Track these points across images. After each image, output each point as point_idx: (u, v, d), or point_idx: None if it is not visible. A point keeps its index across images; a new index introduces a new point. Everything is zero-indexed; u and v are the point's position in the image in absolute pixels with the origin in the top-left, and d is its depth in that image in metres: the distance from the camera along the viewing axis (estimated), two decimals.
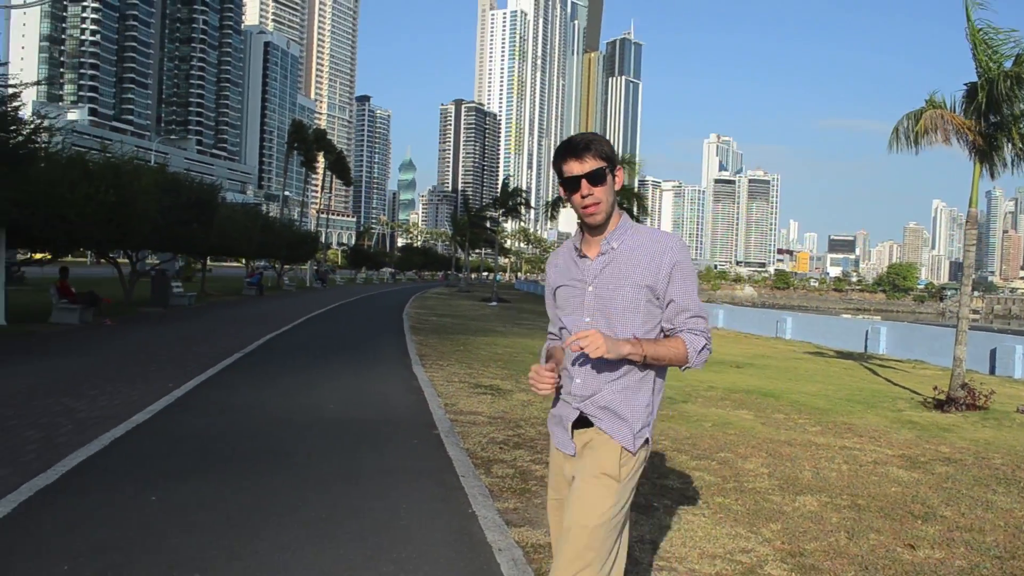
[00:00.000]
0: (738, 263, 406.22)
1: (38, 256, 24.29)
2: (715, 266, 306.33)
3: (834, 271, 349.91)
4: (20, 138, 12.97)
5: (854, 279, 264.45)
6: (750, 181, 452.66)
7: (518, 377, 12.01)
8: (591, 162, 2.56)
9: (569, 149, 2.59)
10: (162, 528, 4.59)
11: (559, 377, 2.71)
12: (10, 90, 11.76)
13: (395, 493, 5.51)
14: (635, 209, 30.57)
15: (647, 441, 2.63)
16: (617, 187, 2.67)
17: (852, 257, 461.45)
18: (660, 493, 5.86)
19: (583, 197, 2.57)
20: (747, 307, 42.47)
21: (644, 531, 4.94)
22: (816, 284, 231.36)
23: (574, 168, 2.57)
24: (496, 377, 11.92)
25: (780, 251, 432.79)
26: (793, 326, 25.70)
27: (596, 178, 2.56)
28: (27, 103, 14.72)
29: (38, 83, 15.74)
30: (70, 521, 4.65)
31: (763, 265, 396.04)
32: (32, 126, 13.70)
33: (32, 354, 12.51)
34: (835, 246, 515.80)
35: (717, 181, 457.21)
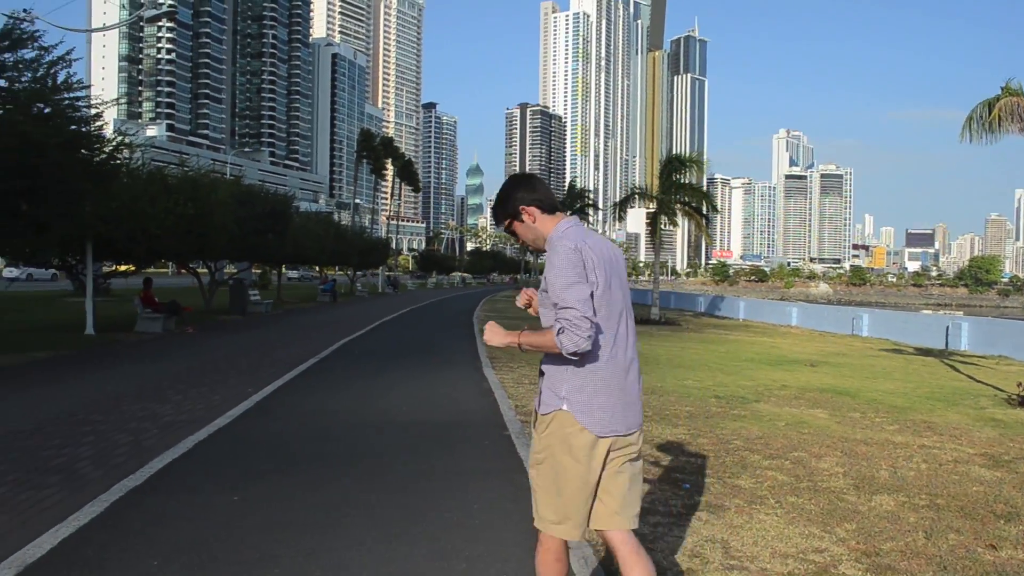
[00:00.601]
0: (812, 260, 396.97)
1: (122, 268, 25.29)
2: (788, 263, 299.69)
3: (912, 266, 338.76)
4: (103, 155, 13.56)
5: (934, 273, 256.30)
6: (822, 176, 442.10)
7: None
8: (502, 222, 3.25)
9: (493, 214, 3.36)
10: (243, 526, 4.77)
11: None
12: (93, 111, 12.31)
13: (467, 493, 5.60)
14: (704, 208, 30.12)
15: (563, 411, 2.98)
16: (530, 220, 3.15)
17: (931, 251, 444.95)
18: (732, 493, 5.81)
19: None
20: (822, 304, 41.52)
21: (715, 531, 4.92)
22: (894, 279, 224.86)
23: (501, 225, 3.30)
24: None
25: (855, 247, 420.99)
26: (870, 323, 25.02)
27: (510, 230, 3.24)
28: (109, 121, 15.36)
29: (117, 101, 16.42)
30: (158, 520, 4.87)
31: (838, 261, 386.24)
32: (114, 144, 14.31)
33: (119, 362, 13.04)
34: (913, 240, 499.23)
35: (788, 177, 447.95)
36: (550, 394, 3.01)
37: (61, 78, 11.42)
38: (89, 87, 13.15)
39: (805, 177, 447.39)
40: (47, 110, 11.25)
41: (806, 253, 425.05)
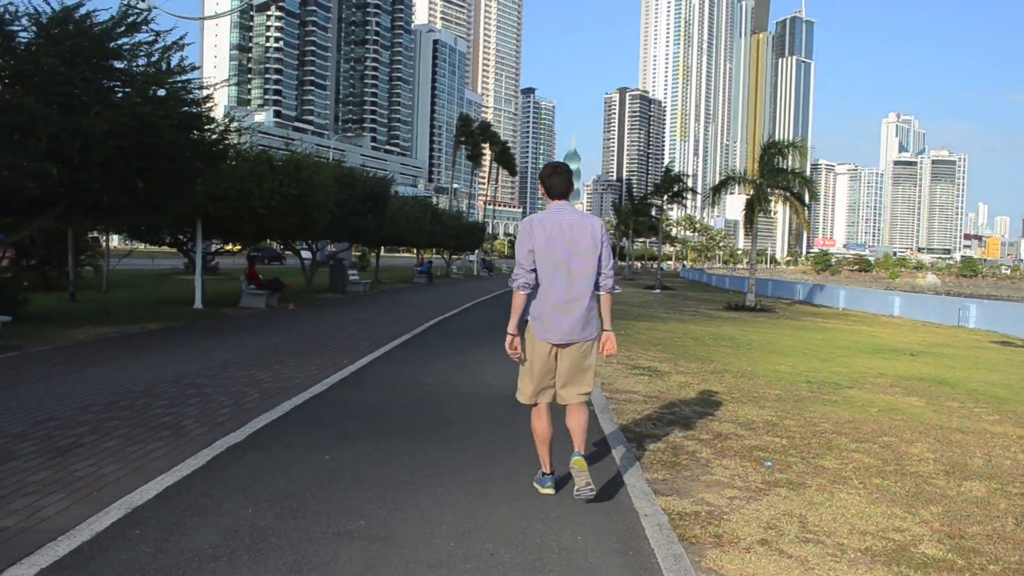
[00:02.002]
0: (919, 250, 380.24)
1: (229, 247, 26.42)
2: (894, 253, 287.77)
3: None
4: (214, 136, 14.23)
5: None
6: (933, 162, 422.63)
7: (677, 360, 11.99)
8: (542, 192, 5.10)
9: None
10: (333, 482, 5.03)
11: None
12: (204, 92, 12.93)
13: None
14: (806, 196, 29.26)
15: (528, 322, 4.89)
16: (545, 196, 4.97)
17: None
18: (815, 472, 5.76)
19: None
20: (927, 295, 39.84)
21: (793, 506, 4.91)
22: (1008, 271, 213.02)
23: None
24: (655, 360, 11.94)
25: (967, 236, 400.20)
26: (977, 314, 23.88)
27: None
28: (219, 103, 16.09)
29: (227, 82, 17.16)
30: (254, 473, 5.18)
31: (948, 252, 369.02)
32: (224, 126, 14.99)
33: (224, 333, 13.70)
34: None
35: (896, 163, 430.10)
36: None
37: (175, 62, 12.04)
38: (200, 68, 13.78)
39: (915, 163, 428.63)
40: (162, 92, 11.89)
41: (914, 243, 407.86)
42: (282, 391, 8.09)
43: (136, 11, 11.50)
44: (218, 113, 15.27)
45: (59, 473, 5.02)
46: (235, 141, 17.51)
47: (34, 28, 10.68)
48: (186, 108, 12.34)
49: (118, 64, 11.46)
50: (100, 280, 22.66)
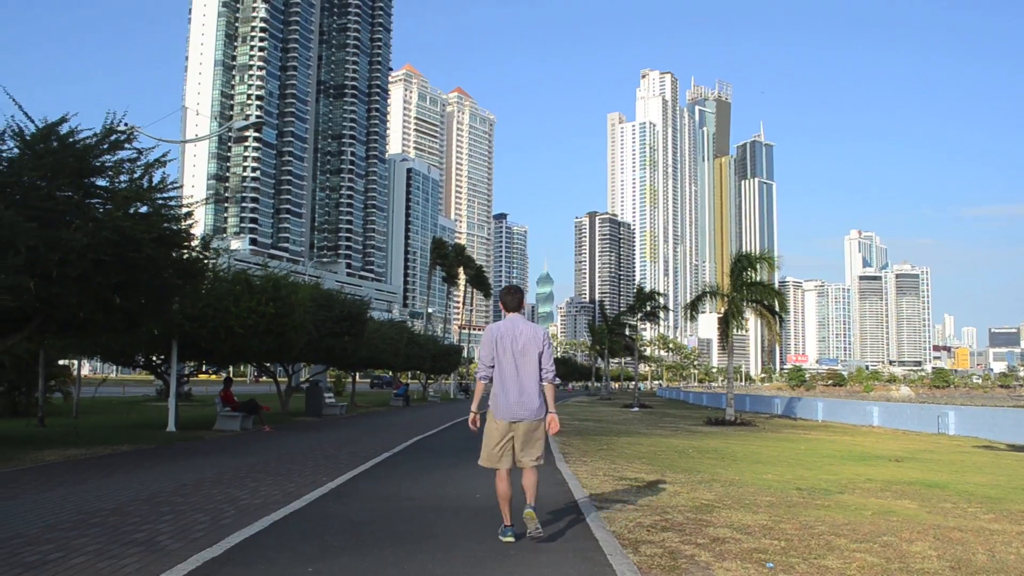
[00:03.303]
0: (891, 363, 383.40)
1: (203, 376, 26.04)
2: (866, 367, 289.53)
3: (998, 366, 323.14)
4: (194, 253, 14.27)
5: (1022, 374, 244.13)
6: (897, 276, 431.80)
7: (663, 471, 11.76)
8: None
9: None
10: None
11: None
12: (184, 210, 13.03)
13: (543, 568, 5.50)
14: (776, 306, 29.65)
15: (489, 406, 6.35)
16: (503, 310, 6.53)
17: (1017, 351, 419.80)
18: (818, 572, 5.57)
19: None
20: (905, 404, 39.91)
21: None
22: (979, 381, 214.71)
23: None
24: (640, 472, 11.71)
25: (936, 348, 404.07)
26: (957, 420, 23.83)
27: None
28: (199, 220, 16.26)
29: (207, 201, 17.42)
30: None
31: (918, 364, 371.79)
32: (202, 242, 15.04)
33: (198, 455, 13.30)
34: (998, 340, 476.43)
35: (862, 278, 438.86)
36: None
37: (157, 179, 12.18)
38: (181, 187, 13.94)
39: (880, 278, 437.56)
40: (143, 208, 11.96)
41: (884, 356, 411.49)
42: (260, 507, 7.78)
43: (119, 132, 11.69)
44: (197, 230, 15.36)
45: None
46: (214, 259, 17.54)
47: (18, 143, 10.79)
48: (167, 224, 12.39)
49: (100, 182, 11.56)
50: (70, 406, 22.14)
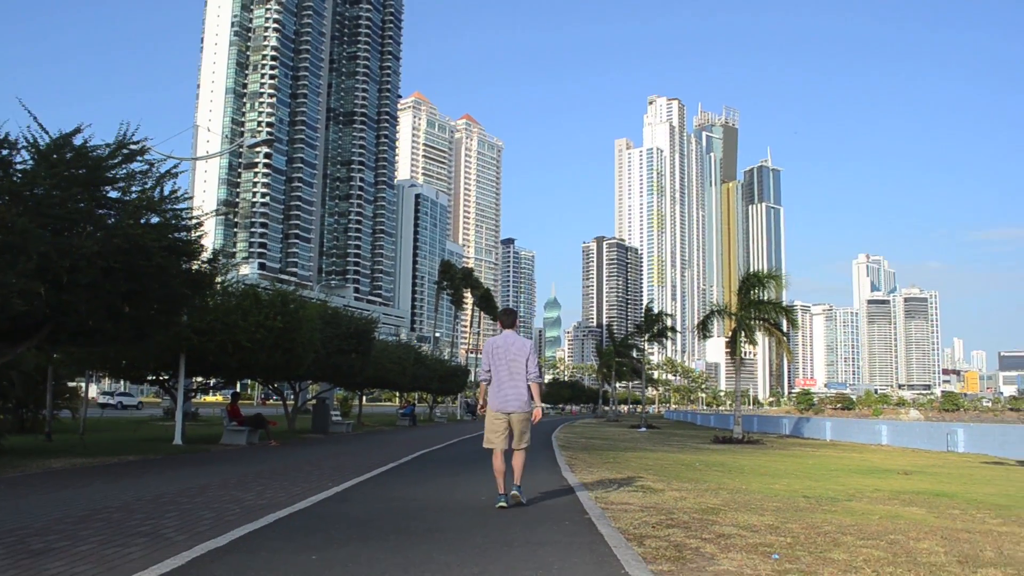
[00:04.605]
0: (900, 386, 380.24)
1: (209, 399, 26.05)
2: (875, 391, 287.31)
3: (1008, 390, 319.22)
4: (203, 263, 14.37)
5: None
6: (906, 300, 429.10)
7: (670, 480, 11.72)
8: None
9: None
10: None
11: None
12: (193, 221, 13.15)
13: (547, 557, 5.50)
14: (784, 324, 29.60)
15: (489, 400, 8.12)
16: (500, 327, 8.41)
17: None
18: (825, 563, 5.55)
19: None
20: (914, 423, 39.59)
21: None
22: (989, 404, 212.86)
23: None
24: (647, 480, 11.66)
25: (945, 371, 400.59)
26: (966, 438, 23.65)
27: None
28: (208, 231, 16.38)
29: (216, 212, 17.56)
30: (238, 570, 4.92)
31: (928, 387, 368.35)
32: (211, 253, 15.15)
33: (204, 464, 13.32)
34: (1008, 363, 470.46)
35: (870, 302, 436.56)
36: None
37: (168, 190, 12.32)
38: (191, 198, 14.07)
39: (888, 302, 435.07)
40: (154, 218, 12.08)
41: (893, 380, 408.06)
42: (265, 507, 7.80)
43: (132, 144, 11.83)
44: (207, 241, 15.47)
45: (28, 572, 4.76)
46: (223, 272, 17.65)
47: (32, 153, 10.93)
48: (177, 234, 12.50)
49: (112, 192, 11.69)
50: (77, 424, 22.17)
